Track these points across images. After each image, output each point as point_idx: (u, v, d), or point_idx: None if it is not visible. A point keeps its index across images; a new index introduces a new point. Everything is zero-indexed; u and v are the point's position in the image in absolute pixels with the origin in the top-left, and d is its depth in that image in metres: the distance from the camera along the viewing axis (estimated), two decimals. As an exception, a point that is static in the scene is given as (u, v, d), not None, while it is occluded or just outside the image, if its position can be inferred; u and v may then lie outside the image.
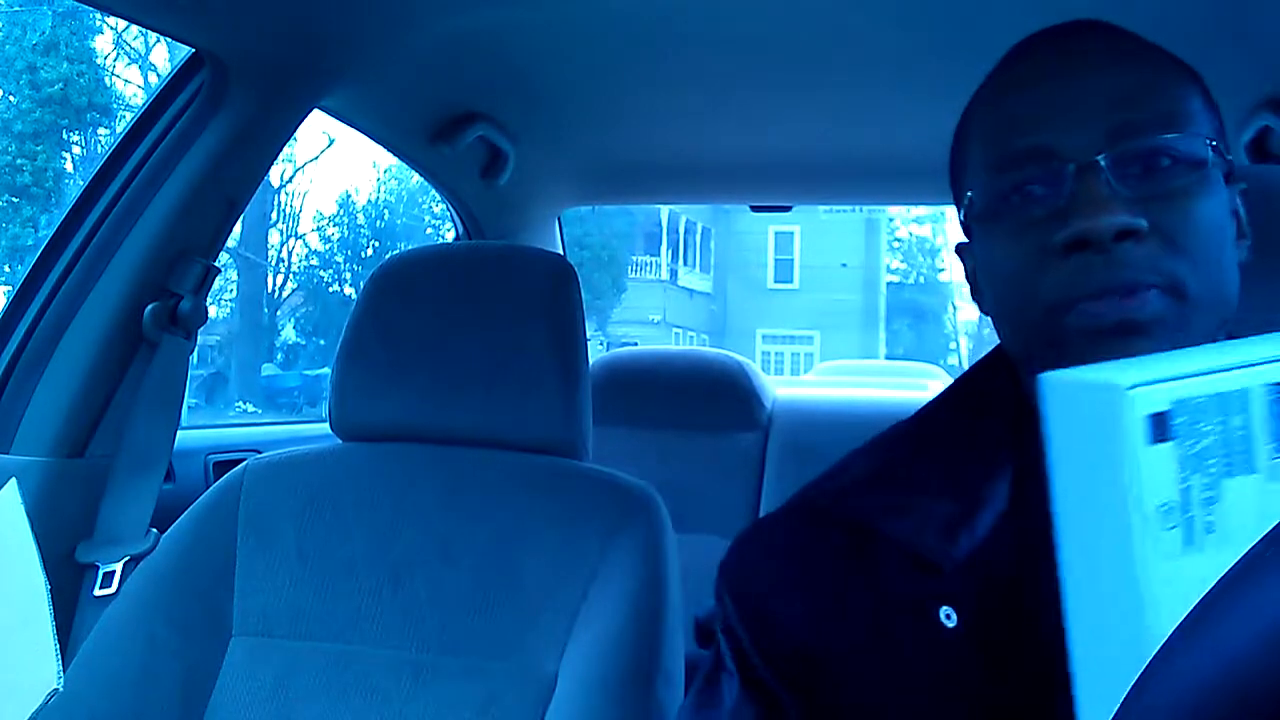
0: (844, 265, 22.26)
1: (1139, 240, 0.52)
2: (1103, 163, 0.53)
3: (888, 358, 20.48)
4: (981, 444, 0.60)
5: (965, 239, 0.64)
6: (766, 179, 1.85)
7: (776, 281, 22.77)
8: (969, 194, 0.60)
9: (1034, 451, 0.54)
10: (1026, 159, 0.56)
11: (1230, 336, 0.58)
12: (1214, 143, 0.55)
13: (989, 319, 0.62)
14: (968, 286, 0.65)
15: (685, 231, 21.58)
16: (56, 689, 0.33)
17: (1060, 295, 0.54)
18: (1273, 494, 0.35)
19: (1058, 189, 0.54)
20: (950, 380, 0.70)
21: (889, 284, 24.39)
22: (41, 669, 0.34)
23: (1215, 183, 0.55)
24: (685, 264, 21.65)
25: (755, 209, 2.10)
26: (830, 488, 0.63)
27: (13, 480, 0.44)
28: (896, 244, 25.87)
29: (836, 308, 21.59)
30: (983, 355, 0.67)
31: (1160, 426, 0.35)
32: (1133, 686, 0.24)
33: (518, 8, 1.14)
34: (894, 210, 21.20)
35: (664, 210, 19.26)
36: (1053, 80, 0.57)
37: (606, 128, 1.60)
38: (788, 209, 2.05)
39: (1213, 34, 1.12)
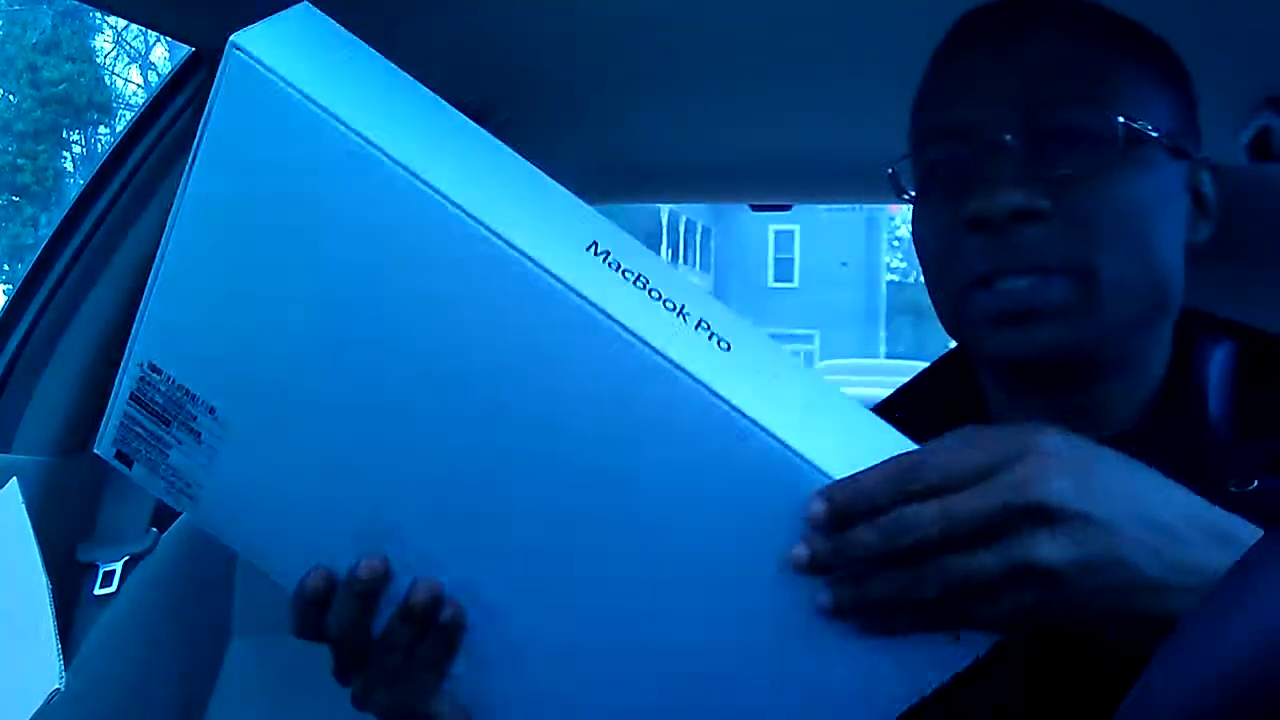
0: (844, 264, 22.27)
1: (1041, 222, 0.51)
2: (1010, 140, 0.52)
3: (888, 356, 20.49)
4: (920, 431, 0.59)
5: None
6: (766, 178, 1.85)
7: (776, 280, 22.79)
8: (903, 163, 0.60)
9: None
10: (947, 134, 0.55)
11: (1180, 327, 0.56)
12: (1145, 126, 0.52)
13: None
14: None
15: (685, 230, 21.58)
16: (58, 689, 0.33)
17: (966, 275, 0.53)
18: None
19: (970, 167, 0.53)
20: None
21: (889, 282, 24.40)
22: (43, 669, 0.34)
23: (1144, 162, 0.52)
24: (685, 263, 21.65)
25: (755, 208, 2.10)
26: None
27: (13, 480, 0.44)
28: (896, 242, 25.87)
29: (837, 306, 21.60)
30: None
31: None
32: (1136, 684, 0.24)
33: (521, 6, 1.14)
34: (894, 209, 21.22)
35: (664, 210, 19.26)
36: (979, 53, 0.56)
37: (607, 127, 1.59)
38: (788, 208, 2.05)
39: (1212, 32, 1.12)
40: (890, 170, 0.61)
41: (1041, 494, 0.36)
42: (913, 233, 0.58)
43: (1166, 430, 0.54)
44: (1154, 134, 0.52)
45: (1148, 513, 0.37)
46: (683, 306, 0.38)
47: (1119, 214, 0.52)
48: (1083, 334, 0.52)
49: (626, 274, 0.38)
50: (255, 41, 0.36)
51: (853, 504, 0.36)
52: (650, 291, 0.38)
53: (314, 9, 0.44)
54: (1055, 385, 0.55)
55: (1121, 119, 0.52)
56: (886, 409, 0.63)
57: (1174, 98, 0.56)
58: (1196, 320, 0.58)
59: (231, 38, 0.35)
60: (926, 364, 0.75)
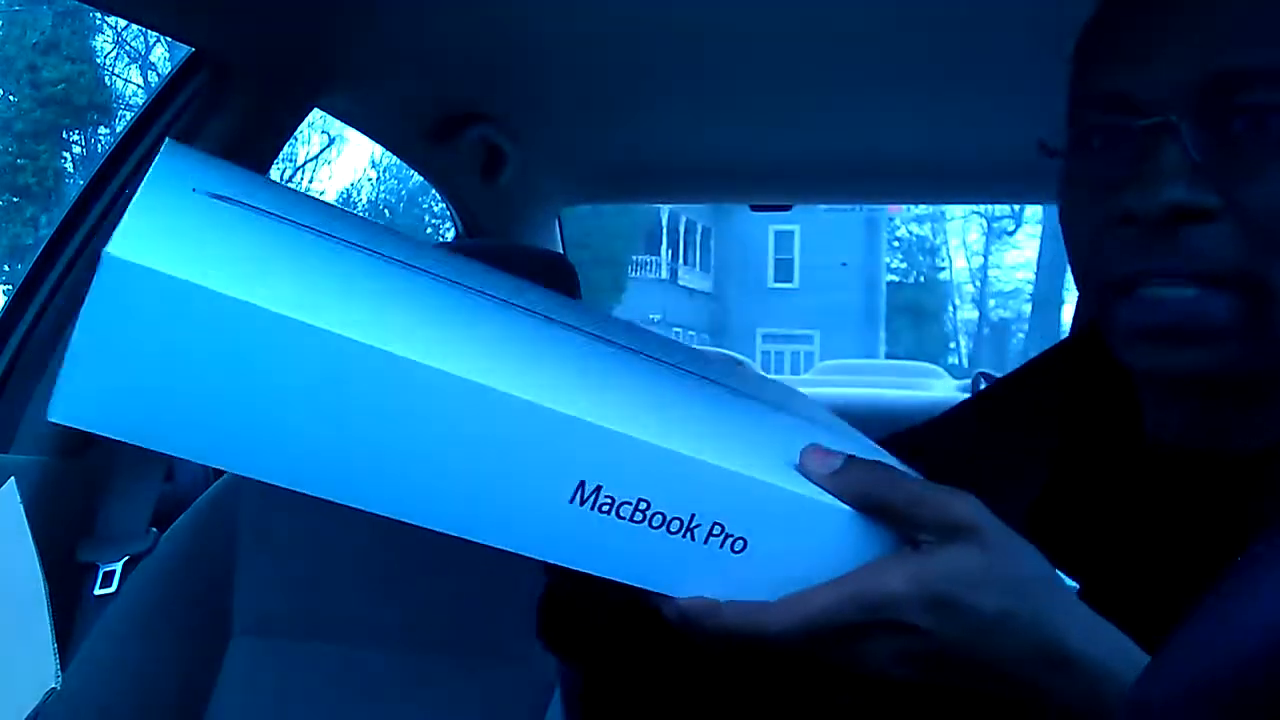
0: (844, 264, 22.28)
1: (1208, 222, 0.43)
2: (1178, 122, 0.43)
3: (887, 357, 20.51)
4: (1023, 422, 0.54)
5: None
6: (767, 178, 1.85)
7: (776, 281, 22.80)
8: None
9: (1088, 433, 0.52)
10: (1103, 104, 0.47)
11: None
12: None
13: (989, 319, 0.57)
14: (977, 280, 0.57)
15: (685, 231, 21.59)
16: (55, 688, 0.33)
17: (1112, 273, 0.46)
18: None
19: (1125, 149, 0.45)
20: (948, 379, 0.69)
21: (889, 283, 24.42)
22: (40, 668, 0.34)
23: None
24: (685, 263, 21.66)
25: (755, 208, 2.10)
26: None
27: (11, 480, 0.44)
28: (896, 243, 25.90)
29: (836, 307, 21.61)
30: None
31: None
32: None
33: (518, 7, 1.14)
34: (894, 209, 21.24)
35: (664, 209, 19.27)
36: (1152, 3, 0.46)
37: (607, 127, 1.59)
38: (788, 208, 2.05)
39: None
40: (1040, 141, 0.51)
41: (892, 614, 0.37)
42: (1059, 210, 0.50)
43: None
44: None
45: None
46: (690, 518, 0.35)
47: None
48: (1247, 357, 0.44)
49: (622, 510, 0.35)
50: (126, 246, 0.32)
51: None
52: (651, 519, 0.35)
53: (178, 146, 0.42)
54: (1208, 400, 0.48)
55: None
56: (993, 391, 0.58)
57: None
58: None
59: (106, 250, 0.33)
60: (926, 363, 0.72)
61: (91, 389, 0.30)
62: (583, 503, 0.34)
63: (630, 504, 0.34)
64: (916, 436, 0.57)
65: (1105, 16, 0.49)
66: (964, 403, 0.60)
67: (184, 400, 0.31)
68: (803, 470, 0.38)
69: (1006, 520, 0.44)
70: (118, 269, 0.31)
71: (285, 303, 0.31)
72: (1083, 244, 0.48)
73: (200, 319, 0.30)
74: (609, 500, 0.34)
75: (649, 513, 0.35)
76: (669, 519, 0.35)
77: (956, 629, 0.37)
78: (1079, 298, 0.52)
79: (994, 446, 0.54)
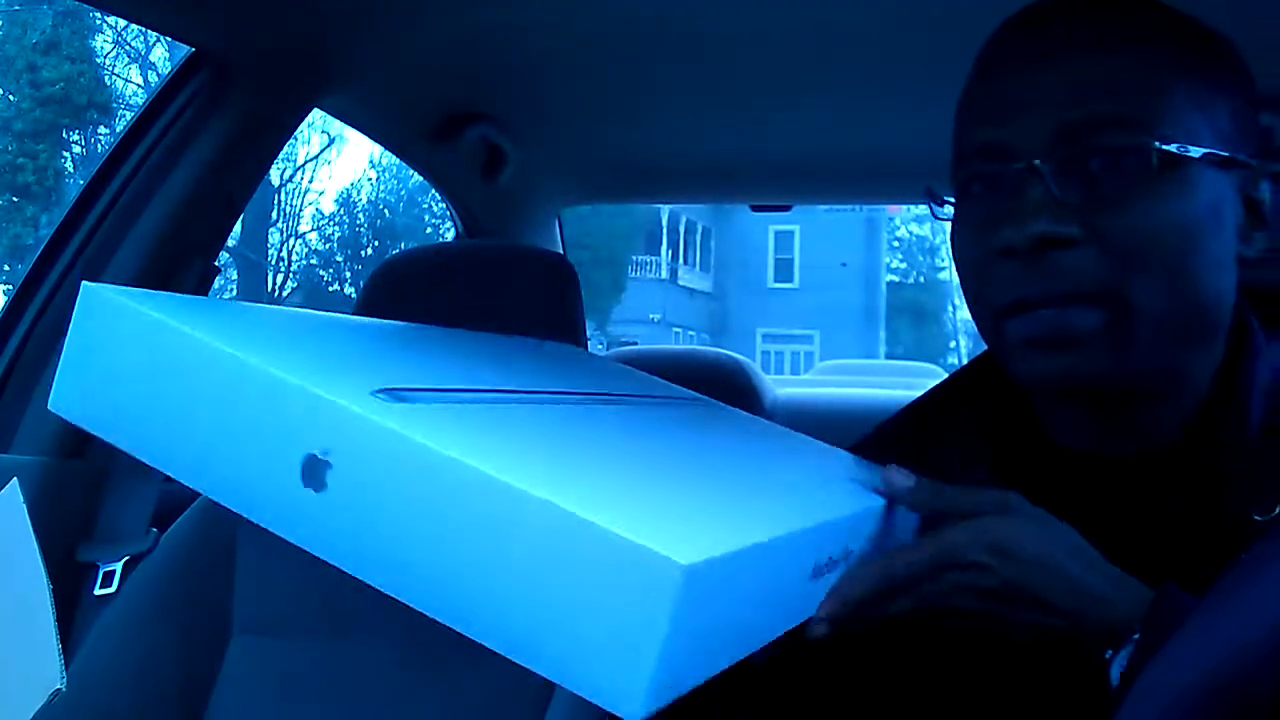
0: (844, 264, 22.27)
1: (1075, 248, 0.50)
2: (1041, 166, 0.51)
3: (887, 357, 20.50)
4: (960, 438, 0.61)
5: None
6: (766, 178, 1.85)
7: (776, 281, 22.79)
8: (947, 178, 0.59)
9: (1013, 444, 0.60)
10: (982, 154, 0.55)
11: (1237, 340, 0.55)
12: (1188, 144, 0.50)
13: None
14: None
15: (685, 231, 21.58)
16: (60, 689, 0.33)
17: (997, 301, 0.53)
18: None
19: (1001, 191, 0.53)
20: None
21: (889, 283, 24.41)
22: (44, 669, 0.34)
23: (1184, 181, 0.50)
24: (685, 263, 21.65)
25: (755, 209, 2.10)
26: None
27: (14, 480, 0.44)
28: (896, 243, 25.88)
29: (836, 307, 21.59)
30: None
31: None
32: (1137, 682, 0.24)
33: (518, 7, 1.14)
34: (894, 210, 21.23)
35: (664, 210, 19.26)
36: (1014, 69, 0.54)
37: (607, 127, 1.59)
38: (788, 208, 2.05)
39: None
40: (927, 189, 0.60)
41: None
42: (951, 246, 0.58)
43: (1204, 449, 0.54)
44: (1194, 154, 0.50)
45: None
46: (829, 559, 0.45)
47: (1153, 238, 0.50)
48: (1114, 362, 0.51)
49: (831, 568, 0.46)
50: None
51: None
52: (823, 570, 0.44)
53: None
54: (1091, 406, 0.55)
55: (1157, 142, 0.50)
56: (925, 407, 0.66)
57: (1227, 103, 0.53)
58: (1248, 328, 0.56)
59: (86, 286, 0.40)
60: (926, 363, 0.75)
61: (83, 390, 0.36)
62: (816, 575, 0.43)
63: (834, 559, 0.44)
64: (873, 441, 0.66)
65: (979, 79, 0.57)
66: (903, 411, 0.68)
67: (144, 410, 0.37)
68: (888, 486, 0.50)
69: None
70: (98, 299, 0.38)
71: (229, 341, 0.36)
72: (971, 277, 0.56)
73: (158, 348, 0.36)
74: (829, 561, 0.44)
75: (826, 565, 0.44)
76: (824, 564, 0.43)
77: (1010, 568, 0.46)
78: (975, 320, 0.58)
79: (935, 456, 0.60)
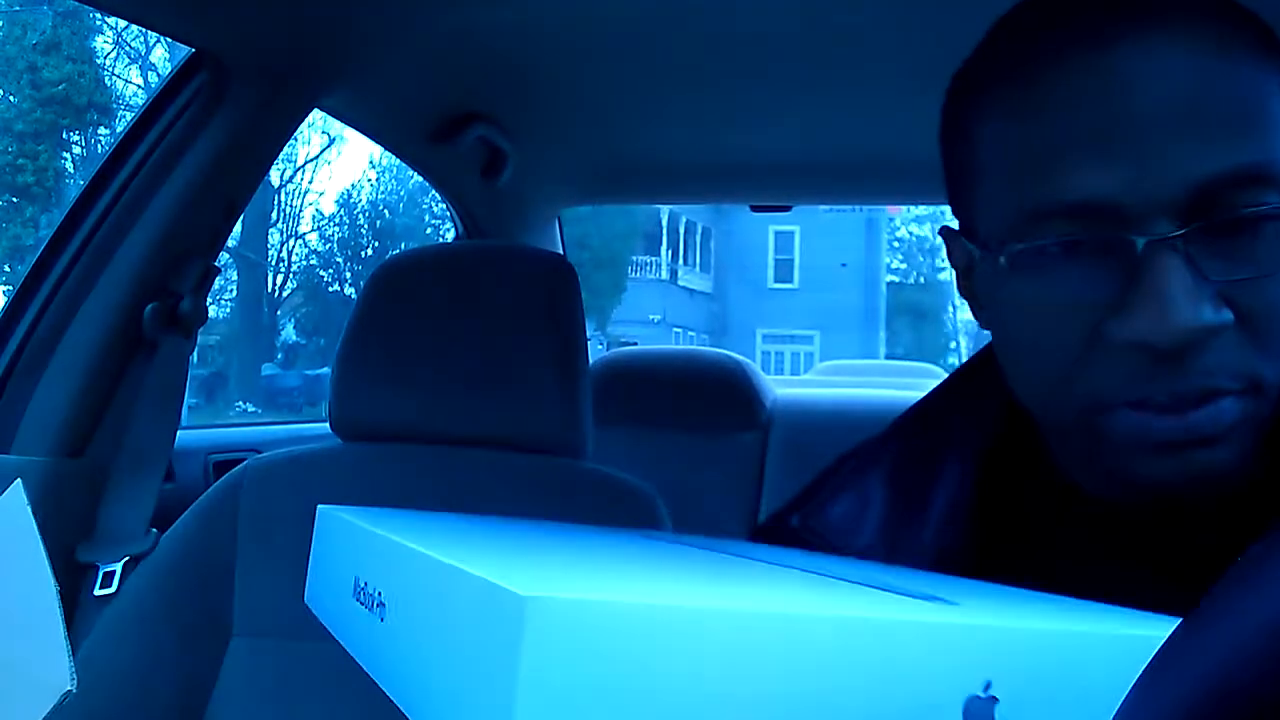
0: (844, 265, 22.28)
1: (1217, 337, 0.40)
2: (1180, 243, 0.39)
3: (887, 357, 20.50)
4: (941, 452, 0.53)
5: (960, 234, 0.50)
6: (766, 179, 1.85)
7: (776, 281, 22.80)
8: (984, 222, 0.46)
9: (1013, 472, 0.51)
10: (1077, 214, 0.41)
11: None
12: None
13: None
14: (957, 281, 0.53)
15: (685, 231, 21.59)
16: (71, 690, 0.33)
17: (1104, 398, 0.42)
18: None
19: (1119, 268, 0.40)
20: None
21: (889, 284, 24.42)
22: (54, 670, 0.34)
23: None
24: (685, 264, 21.66)
25: (755, 209, 2.10)
26: (798, 508, 0.56)
27: (18, 481, 0.44)
28: (896, 244, 25.89)
29: (836, 307, 21.61)
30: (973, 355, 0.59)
31: None
32: (1137, 684, 0.24)
33: (518, 7, 1.14)
34: (894, 210, 21.23)
35: (664, 210, 19.27)
36: (1113, 92, 0.40)
37: (607, 127, 1.60)
38: (788, 209, 2.05)
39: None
40: (943, 230, 0.49)
41: None
42: (995, 300, 0.46)
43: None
44: None
45: None
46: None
47: None
48: (1244, 458, 0.42)
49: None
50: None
51: None
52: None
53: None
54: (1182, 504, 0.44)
55: None
56: (906, 426, 0.56)
57: None
58: None
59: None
60: (926, 364, 0.71)
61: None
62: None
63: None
64: (876, 445, 0.57)
65: (1048, 96, 0.42)
66: (903, 418, 0.58)
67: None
68: None
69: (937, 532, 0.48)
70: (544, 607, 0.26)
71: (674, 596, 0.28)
72: (1059, 365, 0.43)
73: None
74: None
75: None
76: None
77: None
78: (1018, 392, 0.47)
79: (923, 476, 0.53)
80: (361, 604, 0.36)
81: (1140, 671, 0.24)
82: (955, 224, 0.52)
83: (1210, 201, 0.39)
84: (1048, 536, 0.49)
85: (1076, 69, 0.41)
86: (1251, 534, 0.33)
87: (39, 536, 0.40)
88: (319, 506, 0.46)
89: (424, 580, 0.31)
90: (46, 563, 0.39)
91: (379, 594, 0.35)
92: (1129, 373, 0.41)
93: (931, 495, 0.51)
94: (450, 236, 1.97)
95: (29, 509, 0.41)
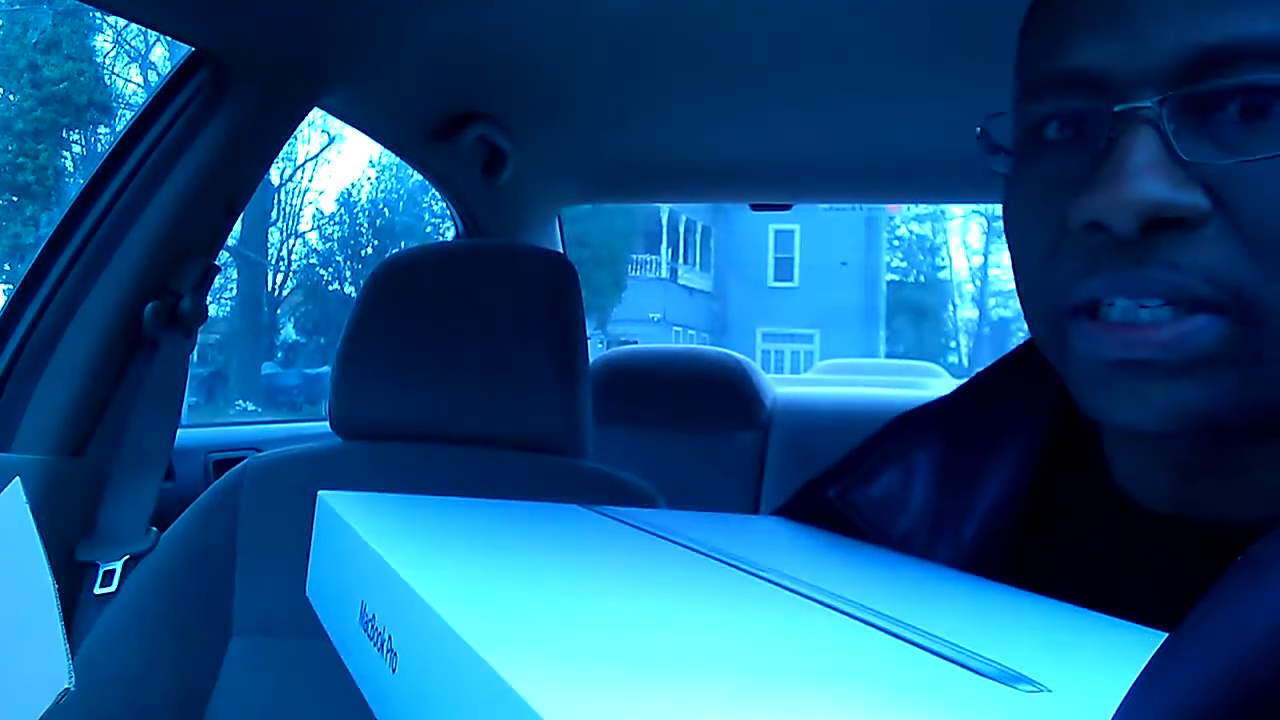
0: (844, 263, 22.28)
1: (1192, 230, 0.34)
2: (1156, 107, 0.35)
3: (888, 356, 20.51)
4: (993, 440, 0.48)
5: None
6: (766, 177, 1.85)
7: (776, 280, 22.79)
8: (1003, 120, 0.42)
9: (1067, 476, 0.46)
10: (1063, 84, 0.38)
11: None
12: None
13: (989, 318, 0.48)
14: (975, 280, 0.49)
15: (685, 230, 21.59)
16: (68, 689, 0.33)
17: (1070, 295, 0.37)
18: None
19: (1090, 140, 0.37)
20: (948, 378, 0.69)
21: (889, 282, 24.42)
22: (52, 669, 0.34)
23: None
24: (685, 262, 21.65)
25: (755, 207, 2.10)
26: (836, 480, 0.52)
27: (17, 479, 0.44)
28: (896, 242, 25.89)
29: (836, 306, 21.60)
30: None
31: None
32: (1136, 685, 0.24)
33: (519, 7, 1.14)
34: (894, 208, 21.25)
35: (664, 209, 19.26)
36: None
37: (607, 127, 1.59)
38: (787, 207, 2.05)
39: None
40: (982, 130, 0.43)
41: None
42: (1004, 219, 0.42)
43: None
44: None
45: None
46: None
47: None
48: (1233, 392, 0.36)
49: None
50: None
51: None
52: None
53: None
54: (1190, 453, 0.40)
55: None
56: (961, 402, 0.51)
57: None
58: None
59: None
60: (926, 362, 0.68)
61: None
62: None
63: None
64: (922, 417, 0.52)
65: None
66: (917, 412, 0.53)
67: None
68: None
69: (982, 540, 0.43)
70: None
71: None
72: (1033, 260, 0.39)
73: None
74: None
75: None
76: None
77: None
78: (1030, 325, 0.42)
79: (969, 469, 0.48)
80: (370, 639, 0.34)
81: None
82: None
83: (1203, 73, 0.35)
84: (1085, 547, 0.44)
85: None
86: None
87: (38, 535, 0.40)
88: (319, 493, 0.45)
89: (441, 650, 0.28)
90: (45, 561, 0.39)
91: (389, 637, 0.32)
92: (1087, 262, 0.36)
93: (980, 487, 0.47)
94: (450, 235, 1.97)
95: (28, 507, 0.41)
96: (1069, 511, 0.46)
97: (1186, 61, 0.35)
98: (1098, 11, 0.37)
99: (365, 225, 16.98)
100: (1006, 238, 0.42)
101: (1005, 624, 0.34)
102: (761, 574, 0.36)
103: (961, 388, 0.52)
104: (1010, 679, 0.27)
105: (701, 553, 0.40)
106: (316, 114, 1.25)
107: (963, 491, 0.48)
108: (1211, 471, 0.40)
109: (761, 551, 0.42)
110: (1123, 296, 0.36)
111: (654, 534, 0.44)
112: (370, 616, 0.35)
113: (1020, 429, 0.48)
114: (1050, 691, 0.26)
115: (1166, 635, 0.30)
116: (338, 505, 0.44)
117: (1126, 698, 0.23)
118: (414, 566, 0.33)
